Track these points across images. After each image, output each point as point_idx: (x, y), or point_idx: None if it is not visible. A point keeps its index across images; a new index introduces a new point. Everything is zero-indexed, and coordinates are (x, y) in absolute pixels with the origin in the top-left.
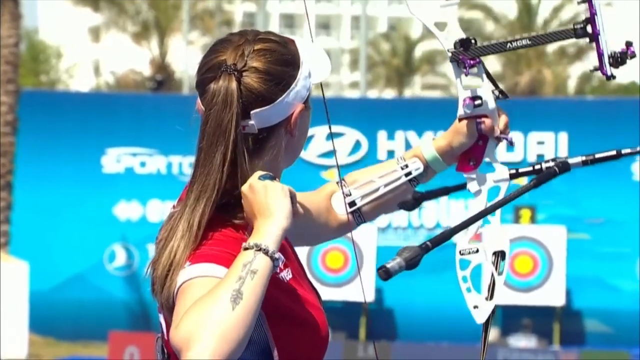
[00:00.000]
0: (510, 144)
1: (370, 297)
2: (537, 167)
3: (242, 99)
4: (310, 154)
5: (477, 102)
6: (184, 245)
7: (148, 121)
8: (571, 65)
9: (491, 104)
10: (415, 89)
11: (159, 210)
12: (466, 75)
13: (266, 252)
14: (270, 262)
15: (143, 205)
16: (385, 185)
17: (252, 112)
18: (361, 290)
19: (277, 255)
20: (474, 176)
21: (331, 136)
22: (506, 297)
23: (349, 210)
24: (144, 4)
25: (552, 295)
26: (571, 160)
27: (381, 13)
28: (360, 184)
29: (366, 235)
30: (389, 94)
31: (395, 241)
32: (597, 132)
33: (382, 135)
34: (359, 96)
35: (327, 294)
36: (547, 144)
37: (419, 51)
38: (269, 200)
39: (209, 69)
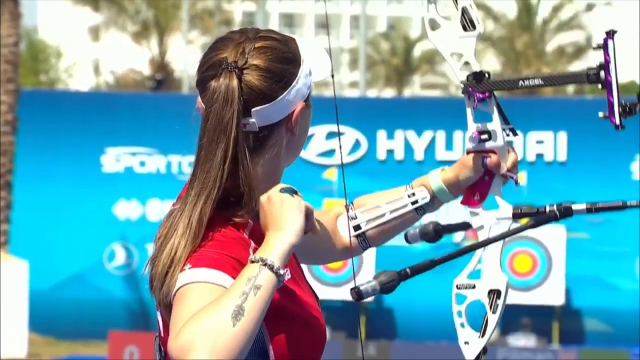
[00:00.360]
0: (515, 183)
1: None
2: (541, 209)
3: (243, 97)
4: (310, 153)
5: (484, 136)
6: (185, 242)
7: (148, 120)
8: (570, 65)
9: (499, 140)
10: (414, 88)
11: (158, 209)
12: (474, 108)
13: (271, 268)
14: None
15: (142, 205)
16: (391, 212)
17: (253, 109)
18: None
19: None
20: (477, 211)
21: (339, 139)
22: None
23: (354, 233)
24: (143, 4)
25: (551, 294)
26: (575, 207)
27: (380, 12)
28: (367, 209)
29: None
30: (389, 93)
31: (393, 241)
32: (596, 132)
33: (381, 134)
34: (358, 95)
35: (327, 293)
36: (546, 143)
37: (418, 50)
38: (282, 214)
39: (209, 67)
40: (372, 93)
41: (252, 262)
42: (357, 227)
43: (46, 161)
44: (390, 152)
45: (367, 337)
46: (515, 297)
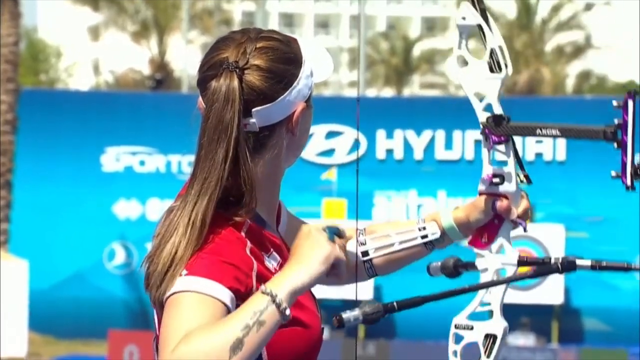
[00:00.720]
0: (524, 230)
1: (368, 295)
2: (547, 259)
3: (244, 97)
4: (309, 152)
5: (495, 180)
6: (186, 241)
7: (147, 120)
8: (569, 64)
9: (512, 186)
10: (414, 88)
11: (158, 209)
12: (489, 150)
13: (278, 306)
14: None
15: (142, 204)
16: (400, 242)
17: (253, 110)
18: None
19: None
20: (484, 253)
21: (356, 140)
22: (505, 295)
23: (361, 258)
24: (143, 3)
25: (550, 293)
26: (579, 262)
27: (380, 12)
28: (377, 236)
29: None
30: (388, 92)
31: None
32: None
33: (380, 134)
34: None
35: (327, 292)
36: (545, 143)
37: (417, 50)
38: (311, 255)
39: (210, 67)
40: (371, 93)
41: (263, 292)
42: (365, 253)
43: (46, 161)
44: (389, 151)
45: (367, 336)
46: (515, 297)
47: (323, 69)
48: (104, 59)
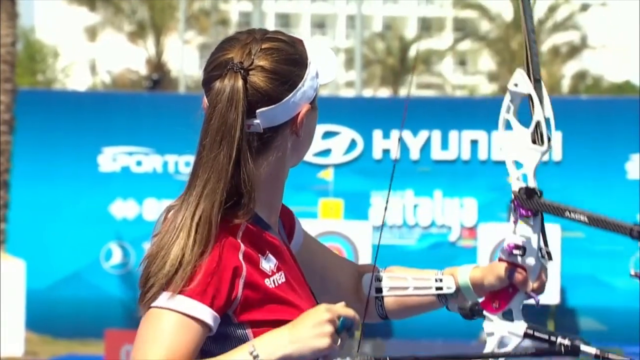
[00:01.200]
0: (536, 305)
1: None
2: (552, 338)
3: (248, 98)
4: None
5: (516, 251)
6: (192, 245)
7: (144, 120)
8: (565, 65)
9: (532, 260)
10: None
11: (155, 209)
12: (514, 223)
13: None
14: None
15: (139, 204)
16: (415, 288)
17: (257, 111)
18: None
19: None
20: (492, 318)
21: (399, 139)
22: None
23: (374, 294)
24: (140, 4)
25: (546, 293)
26: (583, 348)
27: (376, 12)
28: (394, 276)
29: (361, 234)
30: (384, 93)
31: (390, 239)
32: (591, 131)
33: (377, 134)
34: (354, 95)
35: None
36: None
37: (414, 50)
38: (309, 335)
39: (215, 67)
40: (367, 93)
41: (250, 353)
42: (379, 290)
43: (43, 161)
44: (386, 151)
45: (363, 335)
46: None
47: (328, 70)
48: (101, 59)
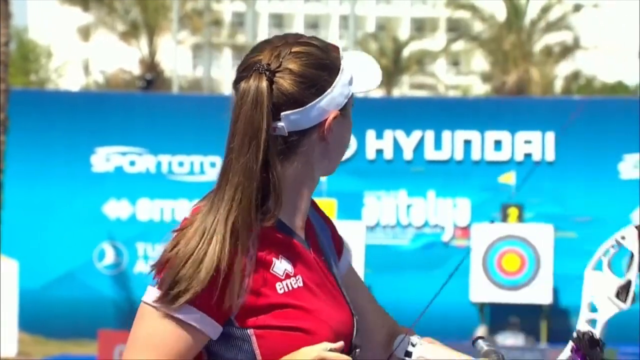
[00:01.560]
0: None
1: None
2: None
3: (273, 100)
4: None
5: None
6: (226, 251)
7: (138, 120)
8: (558, 65)
9: None
10: (403, 89)
11: (148, 209)
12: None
13: None
14: None
15: (132, 204)
16: None
17: (282, 113)
18: None
19: None
20: None
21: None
22: (494, 295)
23: (402, 356)
24: (133, 4)
25: (539, 293)
26: None
27: (369, 13)
28: (429, 346)
29: (354, 234)
30: (377, 93)
31: (383, 240)
32: (584, 132)
33: (370, 134)
34: None
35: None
36: (534, 143)
37: (407, 51)
38: None
39: (245, 68)
40: (361, 93)
41: None
42: (408, 354)
43: (36, 161)
44: (379, 151)
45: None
46: (504, 296)
47: (367, 79)
48: (94, 59)
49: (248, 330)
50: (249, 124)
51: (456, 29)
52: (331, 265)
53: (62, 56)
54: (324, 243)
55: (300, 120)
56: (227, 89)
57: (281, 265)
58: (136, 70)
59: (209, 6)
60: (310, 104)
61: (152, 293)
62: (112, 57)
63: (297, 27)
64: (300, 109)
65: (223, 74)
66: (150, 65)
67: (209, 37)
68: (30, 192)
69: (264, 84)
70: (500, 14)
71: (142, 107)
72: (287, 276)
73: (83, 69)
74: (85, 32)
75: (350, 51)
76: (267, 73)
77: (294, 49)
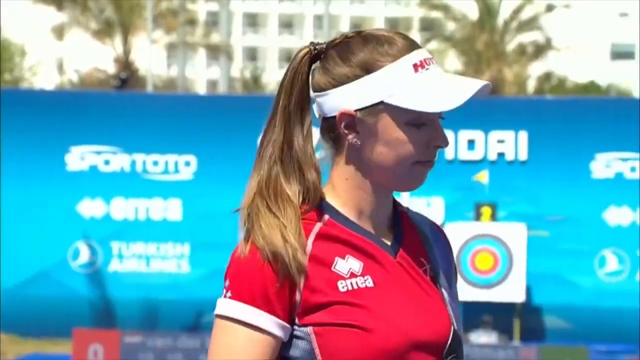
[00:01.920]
0: None
1: None
2: None
3: (309, 81)
4: None
5: None
6: (297, 244)
7: (112, 119)
8: (530, 65)
9: None
10: None
11: (122, 207)
12: None
13: None
14: None
15: (107, 203)
16: None
17: (312, 94)
18: None
19: None
20: None
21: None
22: (467, 293)
23: None
24: (107, 3)
25: (512, 291)
26: None
27: (344, 12)
28: None
29: None
30: None
31: None
32: (556, 131)
33: None
34: None
35: None
36: (507, 143)
37: None
38: None
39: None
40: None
41: None
42: None
43: (10, 160)
44: None
45: None
46: (477, 295)
47: (427, 100)
48: (69, 58)
49: (307, 328)
50: (287, 97)
51: (429, 28)
52: (437, 276)
53: (36, 55)
54: (436, 258)
55: (320, 105)
56: (201, 88)
57: (346, 265)
58: (111, 69)
59: (183, 5)
60: (325, 92)
61: (221, 304)
62: (87, 56)
63: (272, 26)
64: (318, 93)
65: (197, 73)
66: (125, 64)
67: (183, 37)
68: (4, 191)
69: (303, 62)
70: (473, 13)
71: (116, 106)
72: (353, 275)
73: (57, 67)
74: (59, 31)
75: (440, 70)
76: (311, 53)
77: (345, 39)
